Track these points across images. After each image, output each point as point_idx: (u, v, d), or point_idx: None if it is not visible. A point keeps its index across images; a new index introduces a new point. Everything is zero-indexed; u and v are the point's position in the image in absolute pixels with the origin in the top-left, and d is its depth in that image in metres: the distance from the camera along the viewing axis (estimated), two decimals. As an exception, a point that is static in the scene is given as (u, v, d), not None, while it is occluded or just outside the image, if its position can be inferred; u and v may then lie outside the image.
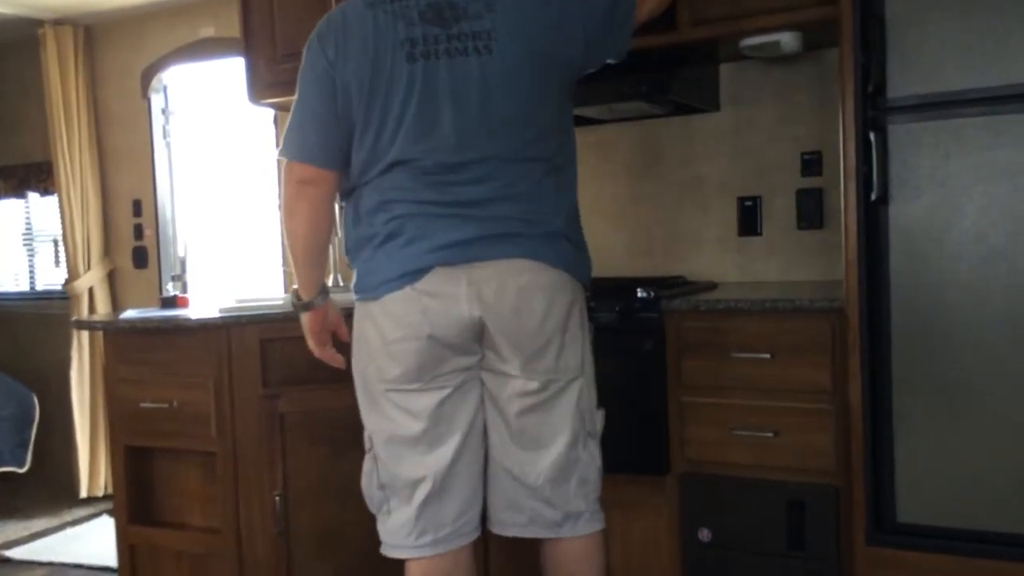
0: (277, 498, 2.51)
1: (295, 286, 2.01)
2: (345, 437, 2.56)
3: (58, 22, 4.20)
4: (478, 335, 1.84)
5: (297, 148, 1.87)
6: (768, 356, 2.20)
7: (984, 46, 1.88)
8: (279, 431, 2.52)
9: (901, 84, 1.96)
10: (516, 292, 1.80)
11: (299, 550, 2.54)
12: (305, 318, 2.05)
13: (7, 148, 4.70)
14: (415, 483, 1.89)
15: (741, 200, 2.85)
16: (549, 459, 1.91)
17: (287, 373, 2.53)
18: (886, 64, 1.97)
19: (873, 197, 1.98)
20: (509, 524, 2.01)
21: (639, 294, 2.37)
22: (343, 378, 2.57)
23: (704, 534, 2.31)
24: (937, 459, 1.98)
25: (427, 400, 1.86)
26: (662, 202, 2.98)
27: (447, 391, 1.87)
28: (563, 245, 1.89)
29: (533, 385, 1.87)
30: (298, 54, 3.04)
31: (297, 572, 2.54)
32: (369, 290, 1.86)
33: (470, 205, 1.81)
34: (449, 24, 1.80)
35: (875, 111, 1.99)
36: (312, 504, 2.55)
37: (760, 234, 2.83)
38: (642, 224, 3.01)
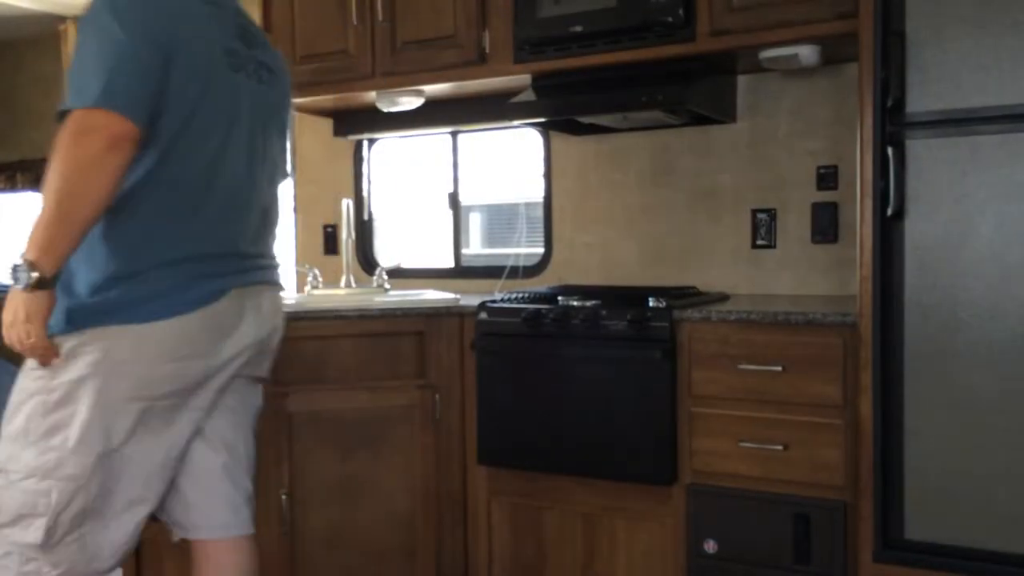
0: (283, 497, 2.51)
1: (31, 257, 1.54)
2: (353, 438, 2.57)
3: (79, 19, 4.22)
4: None
5: (120, 97, 1.54)
6: (779, 369, 2.19)
7: (1003, 64, 1.87)
8: (287, 430, 2.53)
9: (920, 100, 1.96)
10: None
11: (304, 549, 2.54)
12: (42, 298, 1.56)
13: (26, 142, 4.73)
14: None
15: (755, 212, 2.84)
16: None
17: (296, 372, 2.54)
18: (905, 79, 1.96)
19: (889, 212, 1.98)
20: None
21: (651, 303, 2.37)
22: (352, 378, 2.58)
23: (710, 545, 2.30)
24: (947, 477, 1.96)
25: None
26: (676, 212, 2.98)
27: None
28: None
29: None
30: (317, 56, 3.10)
31: (302, 571, 2.54)
32: None
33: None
34: (251, 46, 1.82)
35: (893, 126, 1.98)
36: (318, 504, 2.55)
37: (774, 247, 2.82)
38: (655, 234, 3.01)
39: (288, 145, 2.05)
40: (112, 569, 1.79)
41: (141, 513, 1.78)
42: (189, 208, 1.69)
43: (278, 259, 1.96)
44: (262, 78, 1.83)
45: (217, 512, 1.89)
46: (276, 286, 1.92)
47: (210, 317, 1.70)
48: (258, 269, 1.84)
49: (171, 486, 1.85)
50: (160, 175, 1.65)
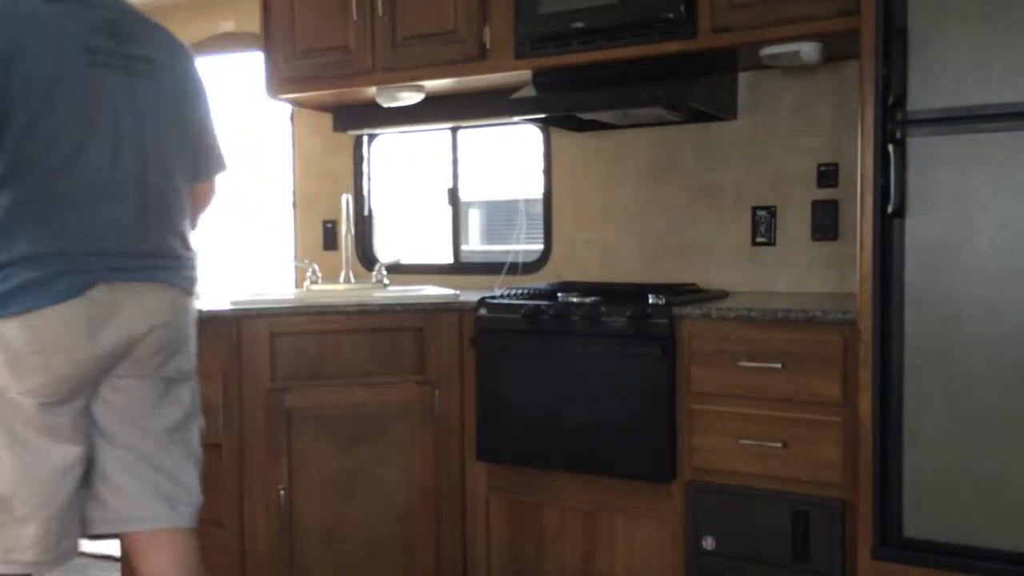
0: (282, 492, 2.51)
1: None
2: (352, 434, 2.57)
3: None
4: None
5: None
6: (779, 366, 2.19)
7: (1005, 62, 1.87)
8: (286, 425, 2.52)
9: (921, 97, 1.95)
10: None
11: (302, 545, 2.54)
12: None
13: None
14: None
15: (756, 209, 2.84)
16: None
17: (296, 368, 2.54)
18: (906, 77, 1.96)
19: (889, 210, 1.97)
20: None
21: (650, 300, 2.36)
22: (351, 374, 2.58)
23: (708, 542, 2.30)
24: (946, 475, 1.96)
25: None
26: (676, 209, 2.97)
27: None
28: None
29: None
30: (317, 50, 3.09)
31: (299, 567, 2.54)
32: None
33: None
34: (122, 42, 1.83)
35: (894, 123, 1.98)
36: (316, 499, 2.55)
37: (774, 244, 2.82)
38: (655, 231, 3.01)
39: (208, 136, 2.05)
40: (43, 566, 1.80)
41: (48, 512, 1.78)
42: (46, 206, 1.71)
43: (183, 257, 1.94)
44: (136, 71, 1.84)
45: (127, 507, 1.90)
46: (169, 285, 1.88)
47: (73, 311, 1.71)
48: (144, 268, 1.83)
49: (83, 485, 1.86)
50: (13, 176, 1.68)
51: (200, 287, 2.02)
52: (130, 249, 1.82)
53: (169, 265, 1.89)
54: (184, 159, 1.96)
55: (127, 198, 1.82)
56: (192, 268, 1.97)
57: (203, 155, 2.05)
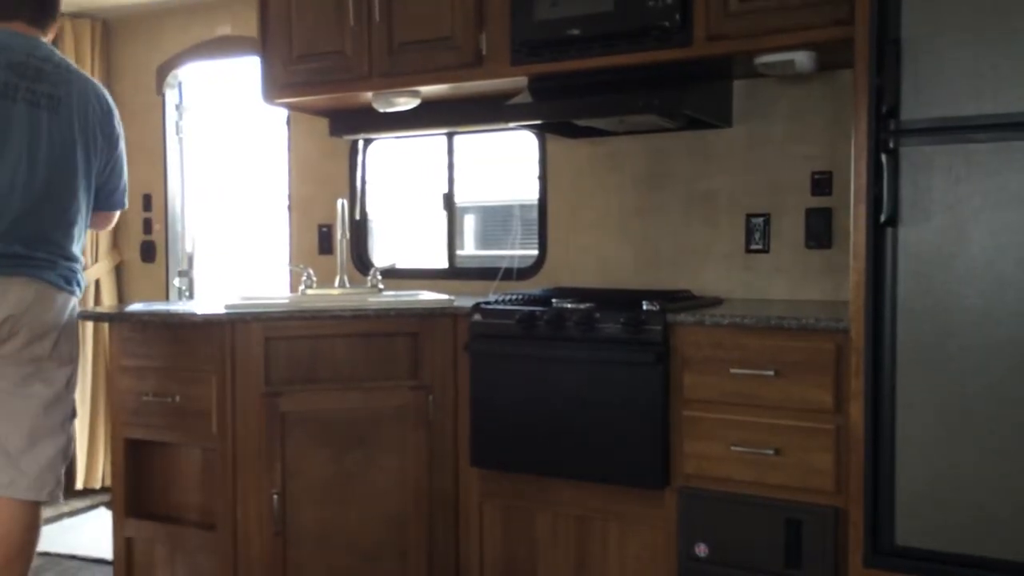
0: (275, 496, 2.51)
1: None
2: (346, 438, 2.57)
3: (76, 16, 4.21)
4: None
5: None
6: (771, 373, 2.19)
7: (998, 72, 1.88)
8: (279, 430, 2.52)
9: (914, 107, 1.97)
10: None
11: (296, 549, 2.54)
12: None
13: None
14: None
15: (750, 217, 2.85)
16: None
17: (290, 372, 2.54)
18: (900, 86, 1.97)
19: (882, 219, 1.98)
20: None
21: (644, 307, 2.37)
22: (345, 378, 2.59)
23: (701, 549, 2.30)
24: (938, 483, 1.97)
25: None
26: (671, 216, 2.98)
27: None
28: None
29: None
30: (314, 55, 3.10)
31: (292, 571, 2.54)
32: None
33: None
34: (32, 80, 2.23)
35: (887, 133, 1.99)
36: (310, 504, 2.55)
37: (768, 251, 2.83)
38: (650, 237, 3.02)
39: (112, 174, 2.42)
40: None
41: None
42: None
43: (48, 260, 2.26)
44: (38, 104, 2.23)
45: None
46: (36, 280, 2.23)
47: None
48: (9, 266, 2.19)
49: None
50: None
51: (78, 287, 2.37)
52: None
53: (38, 264, 2.24)
54: (74, 182, 2.30)
55: (4, 209, 2.19)
56: (65, 269, 2.31)
57: (102, 188, 2.41)
